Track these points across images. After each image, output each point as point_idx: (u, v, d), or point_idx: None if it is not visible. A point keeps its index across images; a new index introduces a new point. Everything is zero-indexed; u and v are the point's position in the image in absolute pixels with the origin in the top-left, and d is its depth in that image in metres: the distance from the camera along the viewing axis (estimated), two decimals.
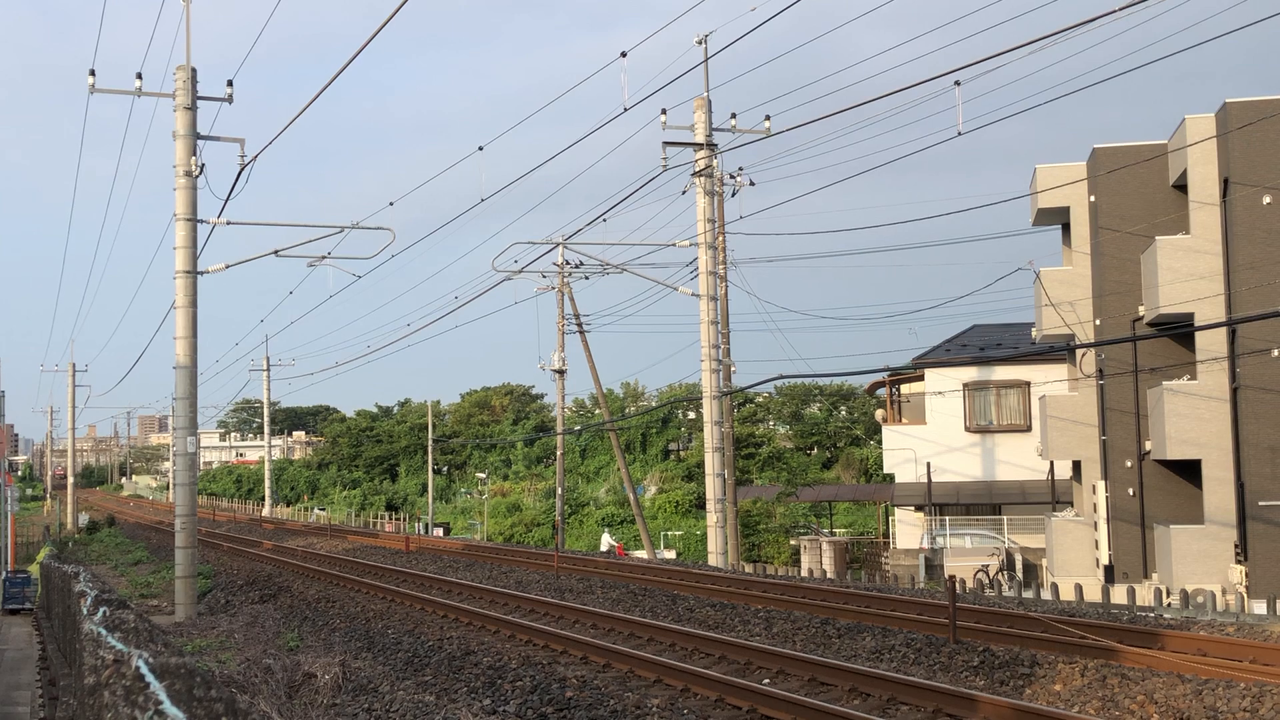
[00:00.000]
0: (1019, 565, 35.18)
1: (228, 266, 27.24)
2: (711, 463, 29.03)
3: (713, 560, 28.75)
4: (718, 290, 30.29)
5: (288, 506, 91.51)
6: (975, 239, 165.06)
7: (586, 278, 41.65)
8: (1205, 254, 27.48)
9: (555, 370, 44.01)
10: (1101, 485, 30.68)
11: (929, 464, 41.15)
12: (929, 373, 43.25)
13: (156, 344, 51.84)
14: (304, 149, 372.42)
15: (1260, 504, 25.87)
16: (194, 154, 24.61)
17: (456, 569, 29.48)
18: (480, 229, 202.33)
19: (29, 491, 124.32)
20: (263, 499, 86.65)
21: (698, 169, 29.04)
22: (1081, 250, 32.42)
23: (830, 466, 72.96)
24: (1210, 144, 27.29)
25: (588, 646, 15.36)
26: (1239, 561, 26.22)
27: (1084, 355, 32.51)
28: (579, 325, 43.20)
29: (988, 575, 33.43)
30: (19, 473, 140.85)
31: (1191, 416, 27.46)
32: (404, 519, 74.14)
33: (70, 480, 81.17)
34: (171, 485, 78.12)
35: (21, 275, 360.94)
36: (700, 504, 56.06)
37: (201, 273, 25.12)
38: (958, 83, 21.83)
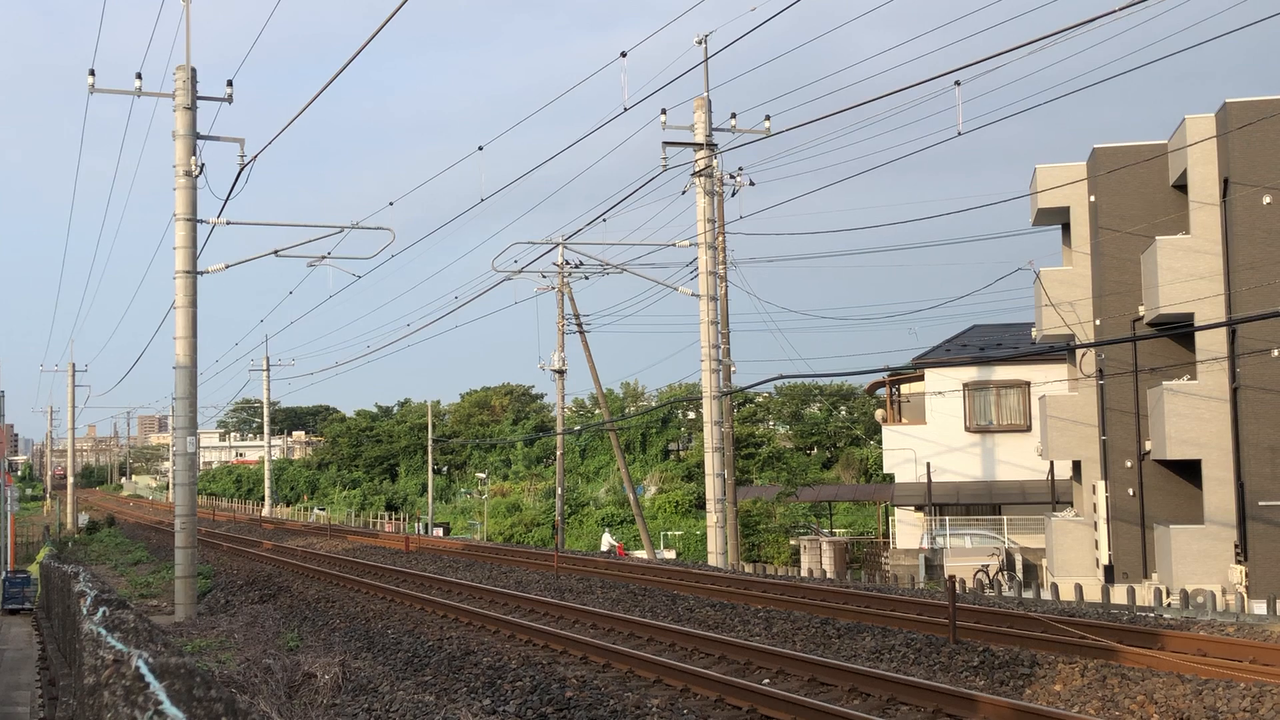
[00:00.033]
0: (1019, 565, 35.19)
1: (227, 266, 27.25)
2: (711, 463, 29.03)
3: (712, 560, 28.75)
4: (717, 290, 30.29)
5: (287, 506, 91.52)
6: (975, 239, 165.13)
7: (586, 278, 41.70)
8: (1205, 254, 27.48)
9: (555, 370, 44.00)
10: (1101, 485, 30.68)
11: (929, 464, 41.15)
12: (929, 373, 43.24)
13: (156, 344, 51.92)
14: (304, 149, 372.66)
15: (1260, 504, 25.87)
16: (194, 154, 24.60)
17: (456, 569, 29.48)
18: (480, 229, 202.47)
19: (29, 491, 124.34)
20: (262, 499, 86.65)
21: (698, 169, 29.03)
22: (1081, 250, 32.42)
23: (830, 466, 72.97)
24: (1210, 144, 27.29)
25: (588, 646, 15.36)
26: (1239, 561, 26.22)
27: (1084, 355, 32.51)
28: (579, 325, 43.21)
29: (988, 575, 33.43)
30: (19, 473, 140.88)
31: (1191, 416, 27.46)
32: (404, 519, 74.14)
33: (70, 480, 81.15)
34: (171, 485, 78.12)
35: (21, 275, 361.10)
36: (700, 504, 56.07)
37: (201, 273, 25.12)
38: (958, 83, 21.85)
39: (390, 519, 74.89)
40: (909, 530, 43.02)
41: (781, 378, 59.03)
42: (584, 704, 11.85)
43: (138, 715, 4.19)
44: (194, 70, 24.70)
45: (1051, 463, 36.46)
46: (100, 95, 24.94)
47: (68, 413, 78.73)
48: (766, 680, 12.99)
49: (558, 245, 40.46)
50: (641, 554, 42.58)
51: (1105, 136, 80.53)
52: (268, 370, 78.08)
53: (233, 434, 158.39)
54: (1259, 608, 22.46)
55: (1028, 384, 41.65)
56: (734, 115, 29.05)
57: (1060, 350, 35.35)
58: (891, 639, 14.96)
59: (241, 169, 24.33)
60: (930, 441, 42.36)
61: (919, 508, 42.31)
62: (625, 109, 24.68)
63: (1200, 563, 26.89)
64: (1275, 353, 26.05)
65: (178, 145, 24.66)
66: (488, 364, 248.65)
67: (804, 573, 39.65)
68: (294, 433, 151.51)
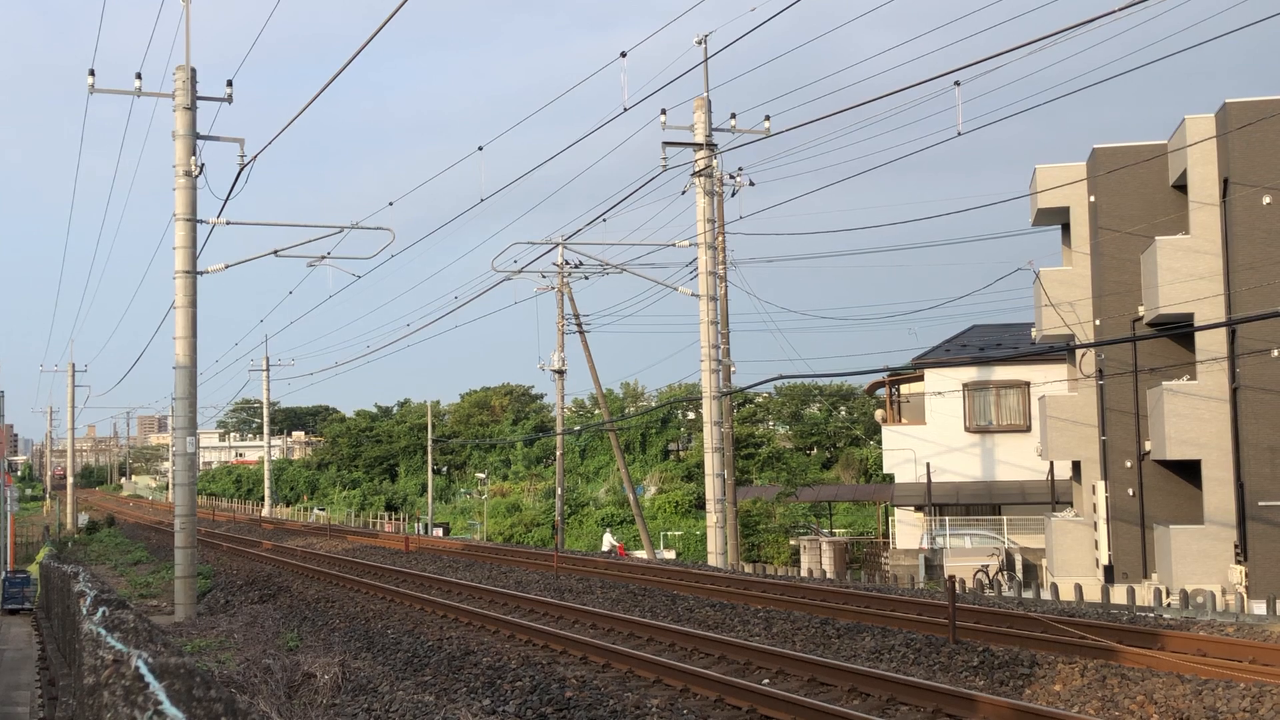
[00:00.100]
0: (1019, 565, 35.19)
1: (227, 266, 27.26)
2: (711, 463, 29.03)
3: (712, 560, 28.76)
4: (717, 290, 30.29)
5: (287, 506, 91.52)
6: (975, 239, 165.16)
7: (586, 278, 41.71)
8: (1205, 254, 27.48)
9: (555, 370, 44.01)
10: (1101, 485, 30.68)
11: (929, 464, 41.15)
12: (929, 373, 43.25)
13: (156, 344, 51.99)
14: (304, 149, 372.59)
15: (1260, 504, 25.87)
16: (194, 154, 24.61)
17: (456, 569, 29.48)
18: (480, 229, 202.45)
19: (29, 491, 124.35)
20: (262, 499, 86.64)
21: (697, 169, 29.04)
22: (1081, 250, 32.43)
23: (830, 467, 72.99)
24: (1210, 144, 27.29)
25: (587, 646, 15.36)
26: (1239, 562, 26.23)
27: (1084, 355, 32.51)
28: (579, 325, 43.21)
29: (987, 575, 33.43)
30: (19, 473, 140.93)
31: (1191, 417, 27.46)
32: (403, 519, 74.15)
33: (70, 480, 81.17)
34: (171, 485, 78.17)
35: (21, 275, 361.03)
36: (700, 504, 56.07)
37: (201, 273, 25.13)
38: (958, 83, 21.87)
39: (390, 519, 74.90)
40: (909, 530, 43.02)
41: (781, 378, 59.10)
42: (584, 704, 11.85)
43: (137, 715, 4.19)
44: (194, 70, 24.71)
45: (1051, 463, 36.46)
46: (100, 95, 24.96)
47: (67, 413, 78.80)
48: (766, 680, 12.99)
49: (558, 245, 40.48)
50: (641, 554, 42.59)
51: (1105, 136, 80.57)
52: (267, 370, 78.09)
53: (232, 434, 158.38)
54: (1259, 608, 22.46)
55: (1027, 384, 41.66)
56: (734, 115, 29.08)
57: (1060, 350, 35.35)
58: (891, 639, 14.96)
59: (241, 169, 24.35)
60: (930, 442, 42.36)
61: (919, 508, 42.32)
62: (625, 109, 24.71)
63: (1200, 563, 26.89)
64: (1275, 353, 26.05)
65: (177, 145, 24.66)
66: (488, 364, 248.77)
67: (804, 573, 39.66)
68: (294, 433, 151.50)
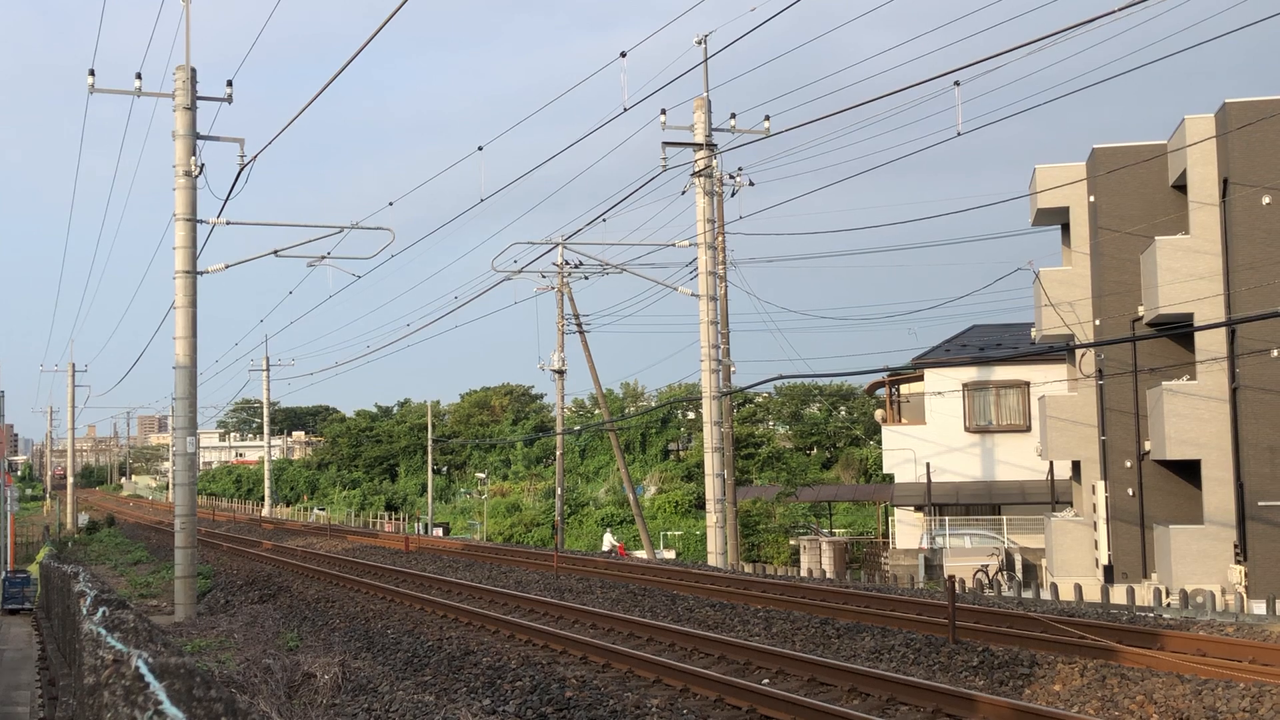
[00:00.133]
0: (1018, 565, 35.21)
1: (227, 266, 27.26)
2: (711, 463, 29.04)
3: (712, 560, 28.76)
4: (717, 290, 30.30)
5: (287, 506, 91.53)
6: (975, 239, 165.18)
7: (586, 278, 41.72)
8: (1205, 254, 27.49)
9: (555, 370, 44.02)
10: (1101, 485, 30.69)
11: (928, 464, 41.16)
12: (928, 373, 43.26)
13: (156, 344, 51.98)
14: (304, 149, 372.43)
15: (1260, 504, 25.88)
16: (194, 154, 24.61)
17: (456, 569, 29.48)
18: (480, 229, 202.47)
19: (29, 491, 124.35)
20: (262, 499, 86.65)
21: (697, 169, 29.04)
22: (1081, 250, 32.44)
23: (830, 466, 73.00)
24: (1210, 144, 27.29)
25: (587, 646, 15.36)
26: (1238, 562, 26.23)
27: (1083, 355, 32.52)
28: (579, 325, 43.22)
29: (987, 575, 33.45)
30: (19, 473, 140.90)
31: (1191, 417, 27.47)
32: (403, 519, 74.16)
33: (70, 480, 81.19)
34: (171, 485, 78.15)
35: (21, 275, 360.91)
36: (700, 504, 56.08)
37: (201, 273, 25.13)
38: (957, 83, 21.87)
39: (390, 519, 74.92)
40: (908, 530, 43.03)
41: (781, 378, 59.09)
42: (584, 704, 11.86)
43: (137, 715, 4.19)
44: (194, 70, 24.71)
45: (1051, 463, 36.47)
46: (100, 95, 24.96)
47: (67, 413, 78.81)
48: (766, 680, 13.00)
49: (557, 245, 40.48)
50: (641, 554, 42.59)
51: (1105, 136, 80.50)
52: (267, 370, 78.09)
53: (233, 434, 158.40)
54: (1258, 608, 22.46)
55: (1027, 384, 41.67)
56: (734, 115, 29.08)
57: (1060, 350, 35.36)
58: (891, 639, 14.96)
59: (241, 169, 24.36)
60: (930, 442, 42.37)
61: (919, 508, 42.33)
62: (625, 109, 24.71)
63: (1200, 563, 26.90)
64: (1275, 353, 26.06)
65: (177, 145, 24.67)
66: (488, 364, 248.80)
67: (803, 573, 39.67)
68: (294, 433, 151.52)
